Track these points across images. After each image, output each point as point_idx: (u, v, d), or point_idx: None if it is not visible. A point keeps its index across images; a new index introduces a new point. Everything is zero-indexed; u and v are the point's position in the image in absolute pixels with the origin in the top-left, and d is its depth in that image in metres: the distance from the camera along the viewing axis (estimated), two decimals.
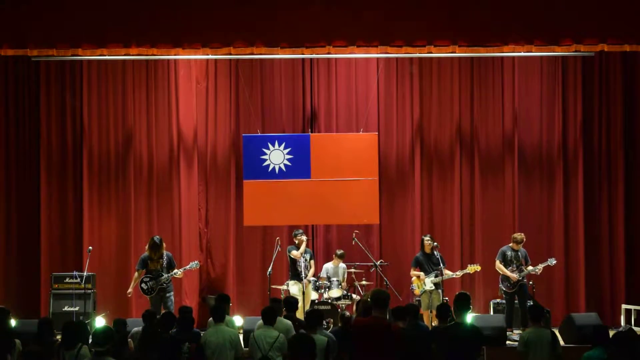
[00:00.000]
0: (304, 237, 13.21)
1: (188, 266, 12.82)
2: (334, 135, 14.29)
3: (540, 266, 12.86)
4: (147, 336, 8.89)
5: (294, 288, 13.00)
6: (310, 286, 13.03)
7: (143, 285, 12.37)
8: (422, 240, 13.12)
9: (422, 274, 12.83)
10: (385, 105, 14.59)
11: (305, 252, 13.19)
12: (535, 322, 8.75)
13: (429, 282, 12.72)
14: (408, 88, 14.61)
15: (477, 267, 13.11)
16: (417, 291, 12.85)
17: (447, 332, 8.02)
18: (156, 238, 12.55)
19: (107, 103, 14.41)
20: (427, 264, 12.89)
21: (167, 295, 12.29)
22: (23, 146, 14.37)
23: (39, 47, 12.36)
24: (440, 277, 12.70)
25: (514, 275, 12.71)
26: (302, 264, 12.94)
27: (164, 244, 12.59)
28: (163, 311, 11.45)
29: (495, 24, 12.33)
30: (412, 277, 13.01)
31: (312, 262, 13.34)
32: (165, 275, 12.29)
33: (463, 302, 8.01)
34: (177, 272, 12.44)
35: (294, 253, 13.05)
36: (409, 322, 8.59)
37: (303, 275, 12.87)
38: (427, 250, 12.98)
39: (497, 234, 14.28)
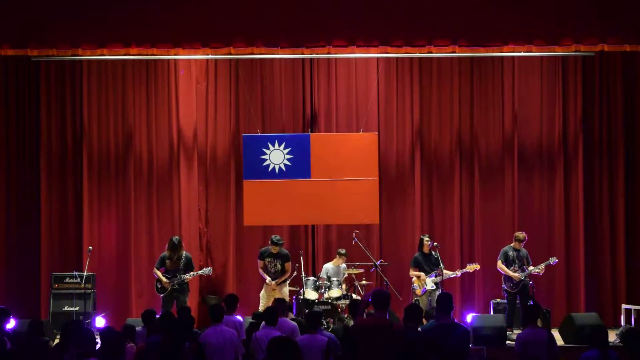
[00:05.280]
0: (275, 249, 12.85)
1: (200, 271, 12.87)
2: (334, 135, 14.28)
3: (542, 266, 12.84)
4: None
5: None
6: (284, 287, 12.90)
7: (157, 284, 12.47)
8: (421, 240, 13.13)
9: (422, 274, 12.83)
10: (385, 106, 14.58)
11: (277, 256, 12.87)
12: (531, 322, 8.73)
13: (429, 282, 12.73)
14: (408, 88, 14.59)
15: (477, 266, 13.13)
16: (418, 291, 12.84)
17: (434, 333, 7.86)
18: (175, 239, 12.62)
19: (107, 103, 14.39)
20: (426, 264, 12.90)
21: (182, 297, 12.33)
22: (23, 146, 14.34)
23: (39, 47, 12.36)
24: (440, 277, 12.71)
25: (517, 275, 12.69)
26: (272, 270, 12.82)
27: (183, 245, 12.68)
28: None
29: (495, 24, 12.33)
30: (412, 277, 13.02)
31: (288, 264, 12.89)
32: (181, 277, 12.35)
33: (445, 303, 7.81)
34: (188, 276, 12.44)
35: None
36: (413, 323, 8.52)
37: (265, 277, 12.79)
38: (426, 250, 12.99)
39: (497, 234, 14.28)
